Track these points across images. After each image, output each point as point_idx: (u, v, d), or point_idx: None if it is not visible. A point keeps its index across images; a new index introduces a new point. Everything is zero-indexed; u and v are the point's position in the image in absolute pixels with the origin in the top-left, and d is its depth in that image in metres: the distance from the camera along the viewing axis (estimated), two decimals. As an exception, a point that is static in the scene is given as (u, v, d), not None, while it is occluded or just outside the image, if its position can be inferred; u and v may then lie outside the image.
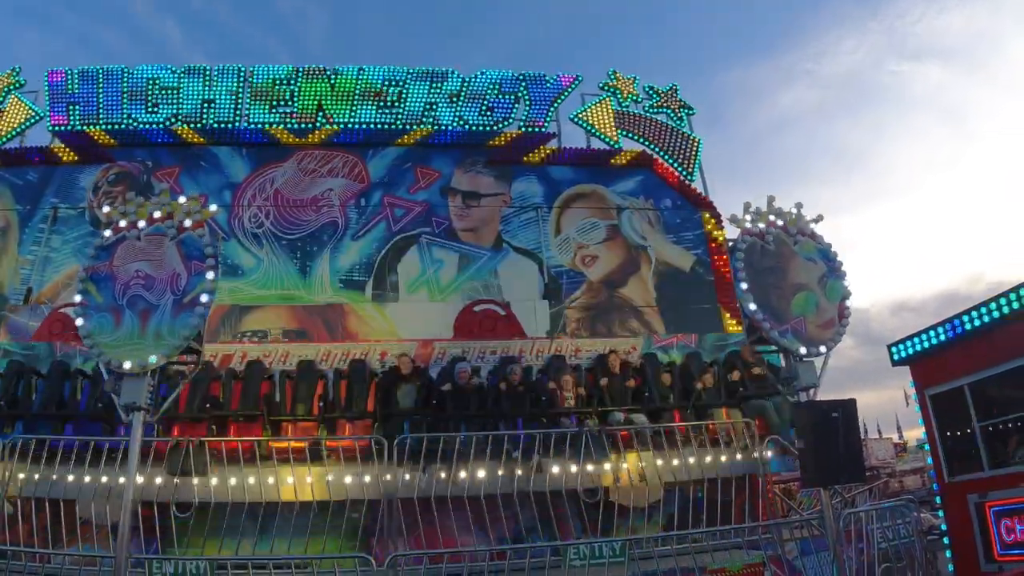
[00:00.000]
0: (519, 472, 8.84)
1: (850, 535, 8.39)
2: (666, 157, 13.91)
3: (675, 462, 9.26)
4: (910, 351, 9.71)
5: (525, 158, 13.47)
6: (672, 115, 14.49)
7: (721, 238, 12.81)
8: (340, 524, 9.07)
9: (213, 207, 7.98)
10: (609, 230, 12.99)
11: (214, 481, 8.64)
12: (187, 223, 7.60)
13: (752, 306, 7.93)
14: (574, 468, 8.99)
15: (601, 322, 12.15)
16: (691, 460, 9.36)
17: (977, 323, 8.67)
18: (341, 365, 10.16)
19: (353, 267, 12.18)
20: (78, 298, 7.43)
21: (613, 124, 14.21)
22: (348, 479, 8.84)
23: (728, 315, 12.19)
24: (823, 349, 8.01)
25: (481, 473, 8.81)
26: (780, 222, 8.40)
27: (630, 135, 14.17)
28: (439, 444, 8.83)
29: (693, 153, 14.00)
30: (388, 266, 12.27)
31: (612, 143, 14.02)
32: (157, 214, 7.68)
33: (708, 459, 9.38)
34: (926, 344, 9.41)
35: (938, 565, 9.46)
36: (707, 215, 13.24)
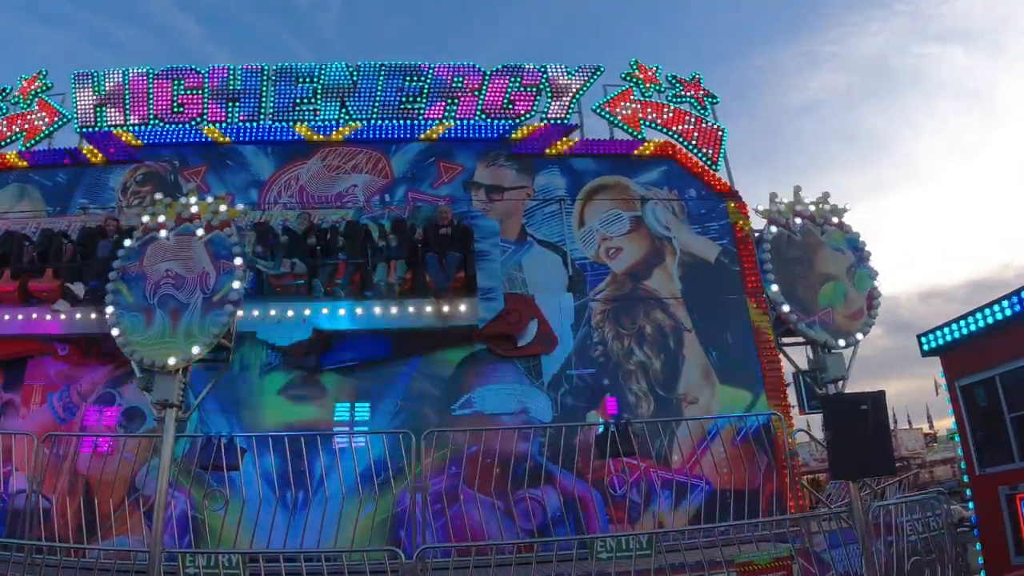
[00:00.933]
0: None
1: (879, 528, 8.33)
2: (690, 147, 13.79)
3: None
4: (940, 341, 9.60)
5: (547, 151, 13.43)
6: (696, 104, 14.35)
7: (747, 228, 12.69)
8: (370, 517, 9.19)
9: (240, 206, 8.09)
10: (633, 222, 12.92)
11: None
12: (214, 222, 7.71)
13: (779, 298, 7.88)
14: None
15: (626, 314, 12.11)
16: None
17: (1008, 312, 8.55)
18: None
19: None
20: (109, 298, 7.58)
21: (636, 114, 14.12)
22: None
23: (755, 306, 12.10)
24: (852, 340, 7.94)
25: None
26: (807, 211, 8.32)
27: (653, 125, 14.07)
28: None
29: (718, 142, 13.86)
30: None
31: (635, 134, 13.92)
32: (185, 214, 7.81)
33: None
34: (956, 334, 9.30)
35: (968, 558, 9.36)
36: (732, 205, 13.11)
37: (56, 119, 13.68)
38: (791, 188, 8.49)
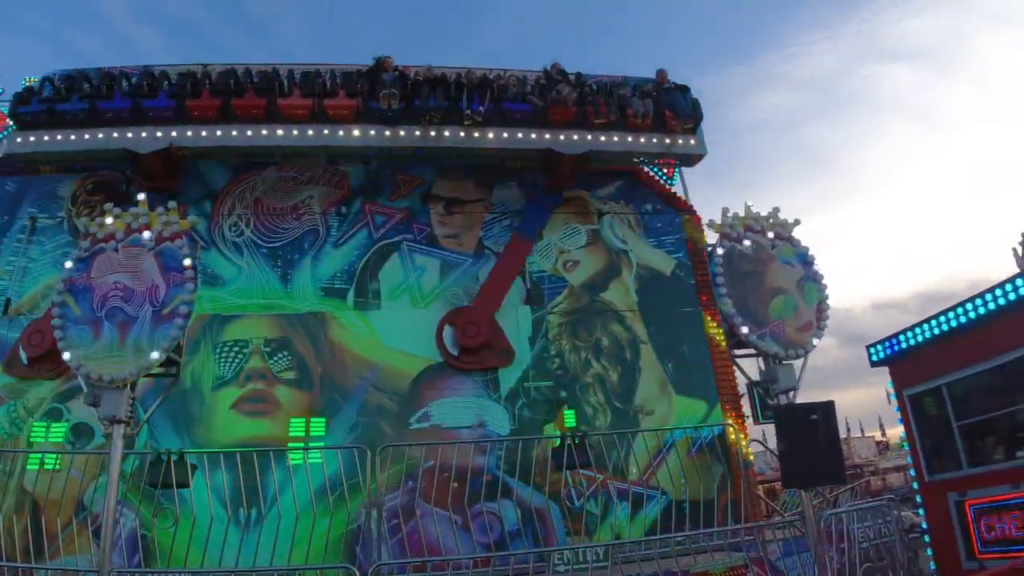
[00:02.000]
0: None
1: (831, 535, 8.48)
2: (646, 162, 13.97)
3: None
4: (888, 352, 9.84)
5: (506, 164, 13.48)
6: (652, 119, 14.53)
7: (702, 242, 12.89)
8: (325, 534, 9.07)
9: (192, 217, 7.95)
10: (590, 235, 13.03)
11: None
12: (165, 233, 7.57)
13: (731, 310, 8.00)
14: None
15: (583, 327, 12.19)
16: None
17: (954, 323, 8.79)
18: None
19: (335, 275, 12.12)
20: (56, 310, 7.39)
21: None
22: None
23: (710, 318, 12.27)
24: (801, 351, 8.09)
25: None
26: (758, 227, 8.49)
27: (611, 140, 14.20)
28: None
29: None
30: (370, 273, 12.23)
31: (593, 148, 14.04)
32: (135, 225, 7.65)
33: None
34: (903, 345, 9.54)
35: (920, 563, 9.57)
36: (688, 219, 13.30)
37: (5, 125, 13.30)
38: (744, 203, 8.66)
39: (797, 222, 8.63)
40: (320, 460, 9.54)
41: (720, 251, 8.20)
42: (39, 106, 11.77)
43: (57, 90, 11.95)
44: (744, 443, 11.33)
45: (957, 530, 8.59)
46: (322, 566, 8.28)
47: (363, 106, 11.77)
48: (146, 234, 7.56)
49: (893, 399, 10.32)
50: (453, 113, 11.81)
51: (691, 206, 13.56)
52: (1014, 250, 12.76)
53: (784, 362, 8.03)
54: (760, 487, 15.62)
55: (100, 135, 11.60)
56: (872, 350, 10.25)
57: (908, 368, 9.72)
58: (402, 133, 11.78)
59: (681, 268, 12.89)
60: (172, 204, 7.88)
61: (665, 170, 13.97)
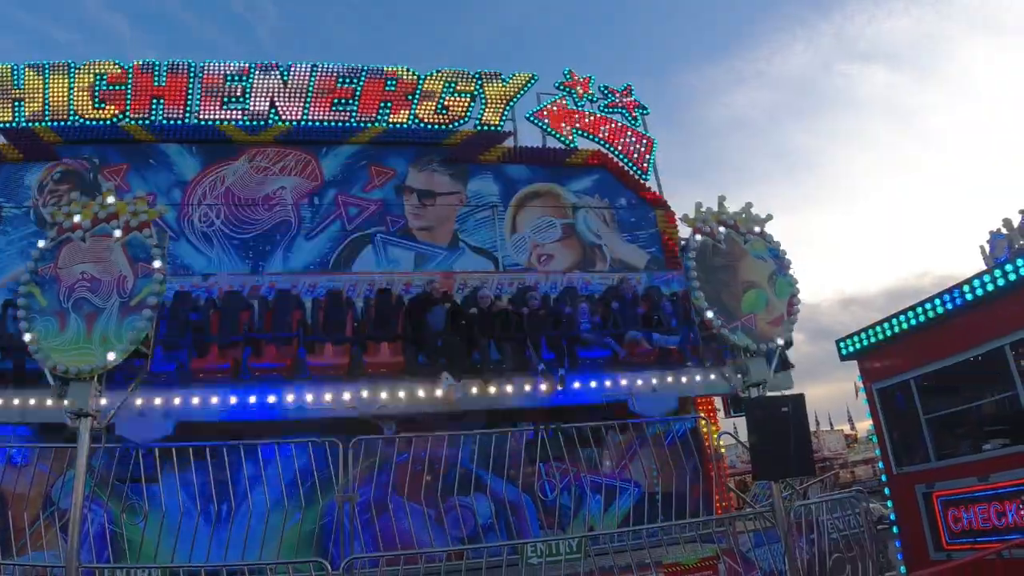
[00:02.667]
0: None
1: (801, 526, 8.58)
2: (621, 156, 14.04)
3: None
4: (857, 346, 9.92)
5: (481, 157, 13.46)
6: (627, 115, 14.62)
7: (675, 237, 12.96)
8: (296, 528, 8.99)
9: (160, 206, 7.82)
10: (565, 229, 13.07)
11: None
12: (133, 223, 7.42)
13: (703, 304, 8.05)
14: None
15: (558, 320, 12.19)
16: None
17: (922, 319, 8.89)
18: (368, 295, 10.94)
19: (307, 266, 12.03)
20: (22, 301, 7.22)
21: (568, 123, 14.28)
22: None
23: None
24: (773, 345, 8.16)
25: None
26: (731, 221, 8.53)
27: (585, 134, 14.26)
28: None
29: (647, 152, 14.14)
30: (343, 265, 12.15)
31: (568, 142, 14.09)
32: (102, 214, 7.49)
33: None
34: (873, 339, 9.62)
35: (888, 554, 9.71)
36: (661, 214, 13.38)
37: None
38: (717, 198, 8.71)
39: (769, 217, 8.70)
40: (292, 454, 9.43)
41: (694, 245, 8.23)
42: None
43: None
44: (716, 436, 11.42)
45: (925, 522, 8.70)
46: (294, 561, 8.19)
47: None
48: (114, 223, 7.42)
49: (862, 392, 10.43)
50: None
51: (665, 201, 13.64)
52: (981, 248, 13.03)
53: (755, 355, 8.10)
54: (731, 480, 15.78)
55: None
56: (842, 344, 10.35)
57: (877, 362, 9.82)
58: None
59: (655, 262, 12.95)
60: (140, 193, 7.73)
61: (638, 165, 14.01)
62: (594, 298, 11.26)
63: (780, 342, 8.16)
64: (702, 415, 11.37)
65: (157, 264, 7.24)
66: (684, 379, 10.49)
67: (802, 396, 7.57)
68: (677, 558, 7.72)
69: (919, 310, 8.99)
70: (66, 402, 6.94)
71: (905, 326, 9.21)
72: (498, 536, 9.66)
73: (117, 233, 7.37)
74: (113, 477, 8.72)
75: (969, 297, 8.24)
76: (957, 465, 8.39)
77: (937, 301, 8.71)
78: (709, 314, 7.96)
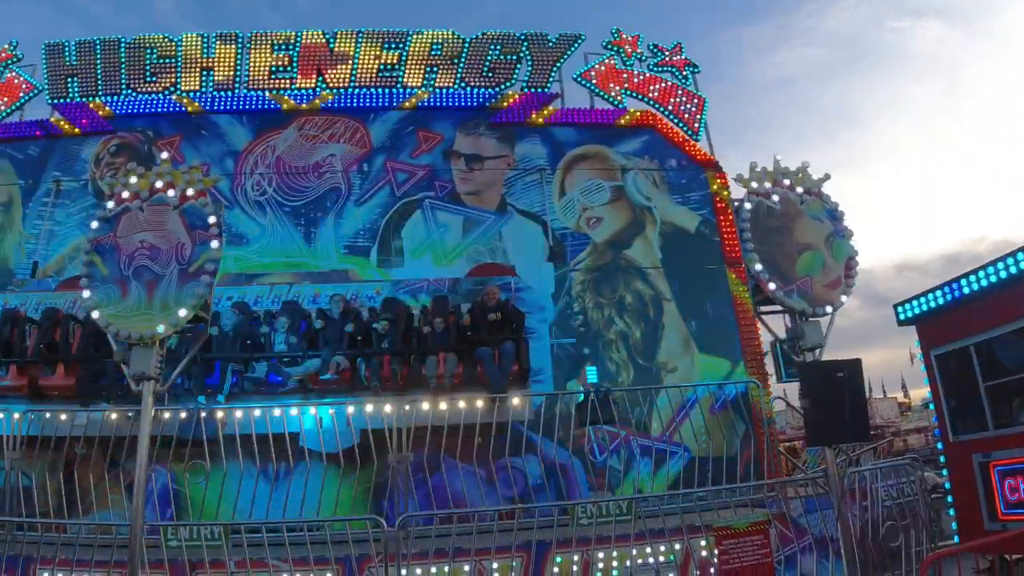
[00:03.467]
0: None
1: (854, 493, 8.48)
2: (671, 116, 13.76)
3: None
4: (916, 311, 9.67)
5: (528, 120, 13.33)
6: (677, 73, 14.28)
7: (727, 198, 12.71)
8: (352, 487, 9.22)
9: (215, 175, 7.95)
10: (614, 191, 12.90)
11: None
12: (189, 192, 7.58)
13: (758, 266, 7.90)
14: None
15: (606, 284, 12.14)
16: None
17: (984, 283, 8.61)
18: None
19: (357, 233, 12.15)
20: (84, 270, 7.46)
21: (617, 83, 14.03)
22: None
23: (734, 275, 12.17)
24: (829, 309, 7.99)
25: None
26: (787, 181, 8.32)
27: (634, 95, 13.99)
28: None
29: (698, 112, 13.83)
30: (392, 231, 12.24)
31: (616, 103, 13.85)
32: (159, 184, 7.66)
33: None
34: (932, 304, 9.36)
35: (942, 524, 9.55)
36: (712, 175, 13.12)
37: (27, 91, 13.37)
38: (767, 159, 8.49)
39: (827, 177, 8.46)
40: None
41: (748, 206, 8.06)
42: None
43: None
44: (767, 401, 11.31)
45: (980, 491, 8.51)
46: (350, 517, 8.41)
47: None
48: (170, 192, 7.58)
49: (919, 359, 10.20)
50: None
51: (716, 162, 13.35)
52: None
53: (811, 319, 7.95)
54: (781, 445, 15.64)
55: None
56: (900, 309, 10.09)
57: (936, 328, 9.56)
58: None
59: (705, 225, 12.76)
60: (195, 163, 7.88)
61: (689, 125, 13.72)
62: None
63: (838, 304, 7.98)
64: (753, 379, 11.26)
65: (214, 231, 7.39)
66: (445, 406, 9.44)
67: (859, 361, 7.44)
68: (727, 522, 7.68)
69: (980, 275, 8.71)
70: (129, 366, 7.19)
71: (966, 291, 8.93)
72: (548, 496, 9.78)
73: (174, 202, 7.54)
74: (175, 439, 9.03)
75: (1034, 261, 7.96)
76: (1016, 434, 8.17)
77: (1000, 265, 8.42)
78: (764, 276, 7.82)
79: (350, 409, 9.25)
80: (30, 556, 7.49)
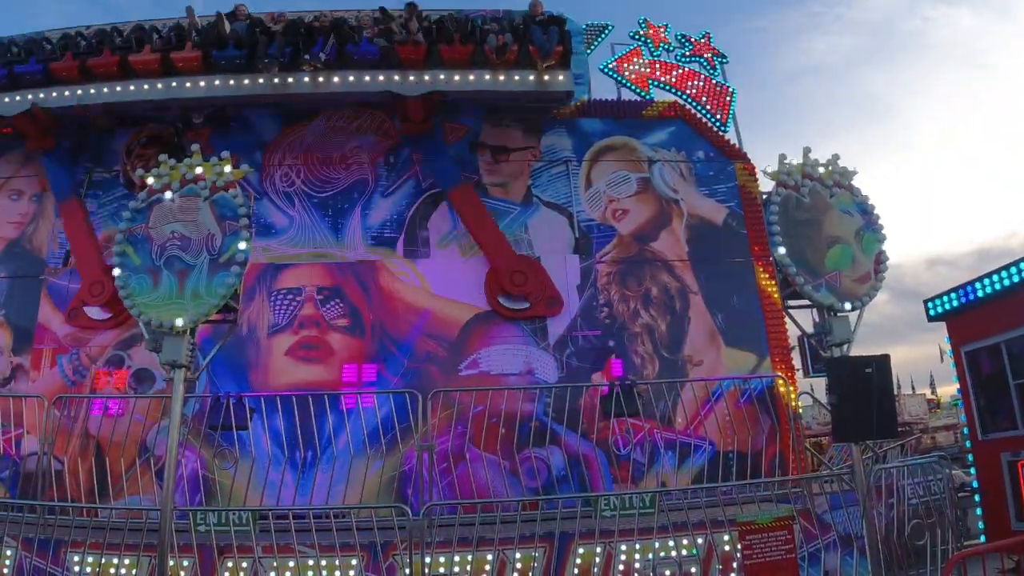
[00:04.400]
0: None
1: (880, 490, 8.40)
2: (699, 107, 13.63)
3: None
4: (947, 307, 9.57)
5: (554, 111, 13.28)
6: (705, 64, 14.15)
7: (755, 191, 12.57)
8: (378, 475, 9.33)
9: (245, 167, 8.04)
10: (640, 183, 12.83)
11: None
12: (219, 183, 7.69)
13: (786, 260, 7.84)
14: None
15: (632, 276, 12.10)
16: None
17: (1016, 279, 8.49)
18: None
19: (384, 224, 12.21)
20: (116, 260, 7.60)
21: (644, 74, 13.93)
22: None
23: (761, 269, 12.07)
24: (858, 304, 7.91)
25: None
26: (817, 174, 8.24)
27: (661, 85, 13.88)
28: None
29: (727, 103, 13.69)
30: (419, 222, 12.29)
31: (643, 94, 13.75)
32: (190, 175, 7.78)
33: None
34: (963, 300, 9.27)
35: (968, 522, 9.44)
36: (741, 167, 12.98)
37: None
38: (795, 151, 8.43)
39: (857, 170, 8.36)
40: (373, 404, 9.75)
41: (776, 199, 8.00)
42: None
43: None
44: (794, 396, 11.23)
45: (1008, 490, 8.43)
46: (375, 505, 8.53)
47: (208, 57, 11.50)
48: (201, 183, 7.70)
49: (949, 355, 10.07)
50: (297, 59, 11.34)
51: (744, 153, 13.21)
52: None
53: (839, 314, 7.88)
54: (807, 441, 15.52)
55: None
56: (930, 304, 9.98)
57: (966, 324, 9.45)
58: (246, 82, 11.47)
59: (733, 218, 12.64)
60: (225, 154, 7.98)
61: (717, 116, 13.59)
62: None
63: (867, 300, 7.90)
64: (780, 374, 11.18)
65: (244, 222, 7.50)
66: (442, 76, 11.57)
67: (887, 357, 7.35)
68: (751, 517, 7.66)
69: (1012, 270, 8.59)
70: (161, 354, 7.33)
71: (998, 287, 8.82)
72: (571, 488, 9.81)
73: (204, 193, 7.66)
74: (205, 425, 9.20)
75: (1068, 257, 7.82)
76: (1044, 434, 8.07)
77: (1034, 261, 8.30)
78: (792, 270, 7.76)
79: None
80: (61, 539, 7.67)
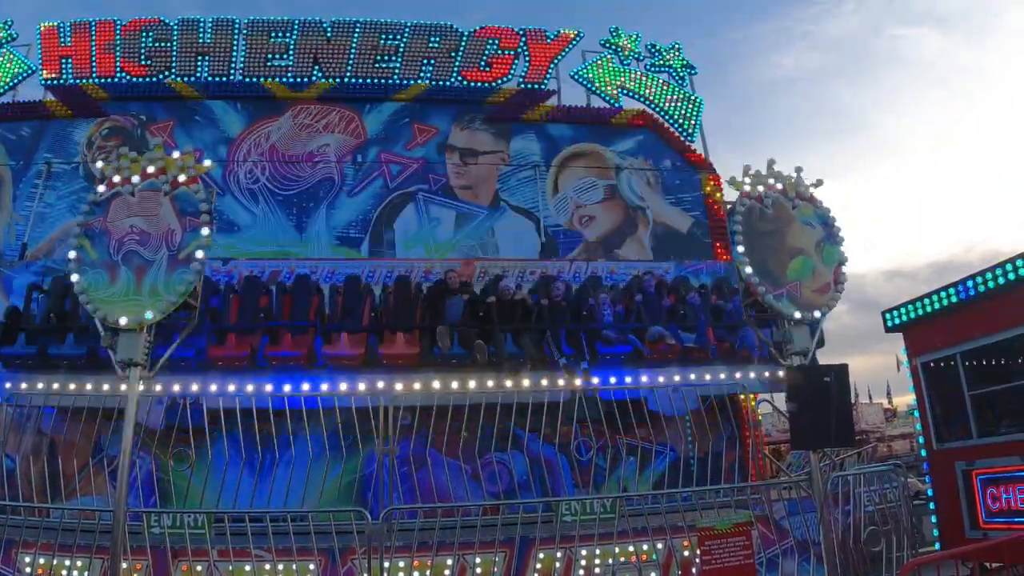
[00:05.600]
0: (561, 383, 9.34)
1: (837, 497, 8.52)
2: (667, 117, 13.77)
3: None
4: (904, 318, 9.73)
5: (524, 115, 13.31)
6: (674, 74, 14.29)
7: (720, 200, 12.73)
8: (337, 479, 9.21)
9: (207, 162, 7.88)
10: (607, 190, 12.91)
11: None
12: (181, 178, 7.53)
13: (748, 269, 7.91)
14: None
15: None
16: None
17: (972, 292, 8.66)
18: (387, 281, 10.59)
19: (349, 224, 12.12)
20: (72, 254, 7.40)
21: (614, 82, 14.03)
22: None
23: (724, 278, 12.19)
24: (817, 314, 8.02)
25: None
26: (780, 186, 8.34)
27: (631, 94, 14.00)
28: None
29: (694, 113, 13.84)
30: (384, 223, 12.21)
31: (612, 102, 13.85)
32: (151, 169, 7.61)
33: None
34: (920, 311, 9.42)
35: (923, 530, 9.61)
36: (706, 176, 13.14)
37: (20, 71, 13.24)
38: (761, 162, 8.50)
39: (819, 182, 8.47)
40: (334, 407, 9.62)
41: (740, 209, 8.07)
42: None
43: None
44: (753, 403, 11.35)
45: (963, 499, 8.59)
46: (334, 509, 8.41)
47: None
48: (163, 179, 7.53)
49: (905, 366, 10.25)
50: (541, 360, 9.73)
51: (710, 163, 13.38)
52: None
53: (799, 324, 7.97)
54: (766, 448, 15.71)
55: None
56: (888, 316, 10.14)
57: (923, 335, 9.62)
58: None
59: (698, 226, 12.77)
60: (188, 148, 7.82)
61: (684, 126, 13.74)
62: (618, 288, 10.88)
63: (825, 311, 8.01)
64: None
65: (205, 218, 7.35)
66: (708, 376, 10.00)
67: (845, 366, 7.46)
68: (711, 522, 7.71)
69: (969, 283, 8.76)
70: (116, 352, 7.14)
71: (955, 299, 8.99)
72: (533, 493, 9.79)
73: (165, 188, 7.49)
74: (160, 427, 9.00)
75: (1023, 272, 8.01)
76: (999, 444, 8.24)
77: (988, 275, 8.48)
78: (754, 279, 7.84)
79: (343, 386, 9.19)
80: (12, 540, 7.44)
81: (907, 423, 45.54)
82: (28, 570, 7.31)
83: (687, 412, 10.04)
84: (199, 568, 7.31)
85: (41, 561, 7.33)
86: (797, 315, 7.88)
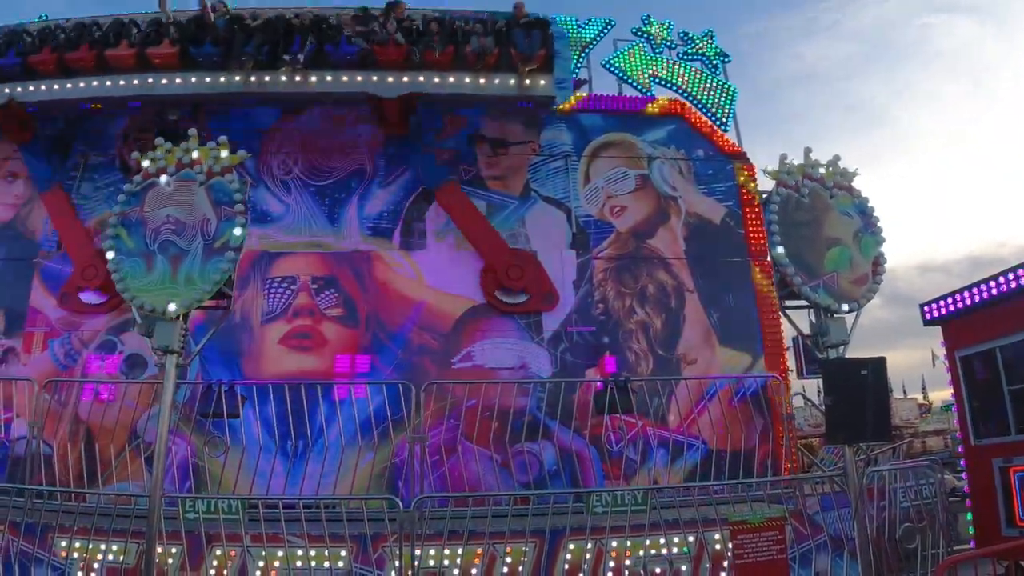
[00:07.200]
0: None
1: (872, 493, 8.41)
2: (700, 106, 13.59)
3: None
4: (943, 312, 9.57)
5: (555, 105, 13.20)
6: (707, 62, 14.09)
7: (754, 190, 12.55)
8: (369, 466, 9.29)
9: (242, 152, 7.95)
10: (639, 180, 12.79)
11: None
12: (216, 168, 7.61)
13: (784, 260, 7.81)
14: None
15: (628, 273, 12.07)
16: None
17: (1013, 285, 8.48)
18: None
19: (381, 214, 12.14)
20: (109, 243, 7.52)
21: (646, 71, 13.87)
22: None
23: (758, 269, 12.06)
24: (855, 305, 7.89)
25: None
26: (817, 174, 8.20)
27: (663, 82, 13.83)
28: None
29: (728, 102, 13.64)
30: (415, 214, 12.23)
31: (644, 91, 13.70)
32: (186, 160, 7.70)
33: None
34: (959, 305, 9.25)
35: (958, 527, 9.46)
36: (739, 166, 12.95)
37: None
38: (788, 154, 8.35)
39: (857, 172, 8.32)
40: (366, 395, 9.72)
41: (776, 199, 7.96)
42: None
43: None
44: (787, 397, 11.22)
45: (999, 496, 8.44)
46: (366, 496, 8.48)
47: (186, 53, 11.27)
48: (198, 169, 7.62)
49: (942, 361, 10.07)
50: (275, 59, 11.17)
51: (744, 153, 13.18)
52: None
53: (836, 315, 7.85)
54: (799, 441, 15.54)
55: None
56: (926, 308, 9.97)
57: (962, 329, 9.44)
58: (222, 79, 11.25)
59: (731, 217, 12.62)
60: (222, 139, 7.89)
61: (718, 114, 13.55)
62: None
63: (863, 302, 7.88)
64: (774, 374, 11.17)
65: (239, 207, 7.42)
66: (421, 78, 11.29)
67: (883, 359, 7.32)
68: (743, 516, 7.64)
69: (1009, 276, 8.59)
70: (153, 340, 7.26)
71: (994, 292, 8.81)
72: (563, 483, 9.80)
73: (200, 178, 7.57)
74: (196, 412, 9.13)
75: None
76: (1038, 440, 8.08)
77: (1029, 269, 8.30)
78: (790, 270, 7.73)
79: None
80: (48, 524, 7.61)
81: (941, 419, 44.79)
82: (64, 554, 7.46)
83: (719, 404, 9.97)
84: (233, 553, 7.42)
85: (77, 546, 7.49)
86: (834, 306, 7.76)
